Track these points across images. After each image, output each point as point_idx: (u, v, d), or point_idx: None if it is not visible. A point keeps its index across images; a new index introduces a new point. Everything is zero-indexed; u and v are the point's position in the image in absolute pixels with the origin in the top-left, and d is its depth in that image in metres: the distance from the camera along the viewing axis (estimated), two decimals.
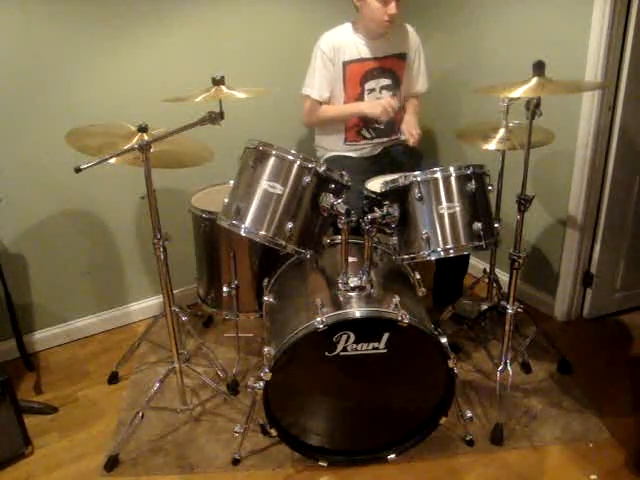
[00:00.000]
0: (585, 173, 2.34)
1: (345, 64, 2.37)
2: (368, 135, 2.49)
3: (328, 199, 1.72)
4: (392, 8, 2.21)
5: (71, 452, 1.92)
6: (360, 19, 2.36)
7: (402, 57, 2.44)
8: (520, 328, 2.40)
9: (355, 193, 1.92)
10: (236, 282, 2.16)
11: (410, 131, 2.38)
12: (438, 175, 1.73)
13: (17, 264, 2.35)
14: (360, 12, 2.32)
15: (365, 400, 1.79)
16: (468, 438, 1.88)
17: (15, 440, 1.86)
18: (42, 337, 2.49)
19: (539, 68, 1.69)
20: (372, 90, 2.42)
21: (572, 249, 2.48)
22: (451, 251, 1.73)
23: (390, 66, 2.42)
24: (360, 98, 2.42)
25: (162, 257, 1.84)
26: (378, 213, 1.75)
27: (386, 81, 2.42)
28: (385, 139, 2.51)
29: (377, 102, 2.34)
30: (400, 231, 1.79)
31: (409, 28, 2.47)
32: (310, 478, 1.80)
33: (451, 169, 1.74)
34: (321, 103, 2.42)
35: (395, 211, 1.76)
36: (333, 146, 2.53)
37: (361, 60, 2.39)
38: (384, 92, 2.43)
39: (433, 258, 1.73)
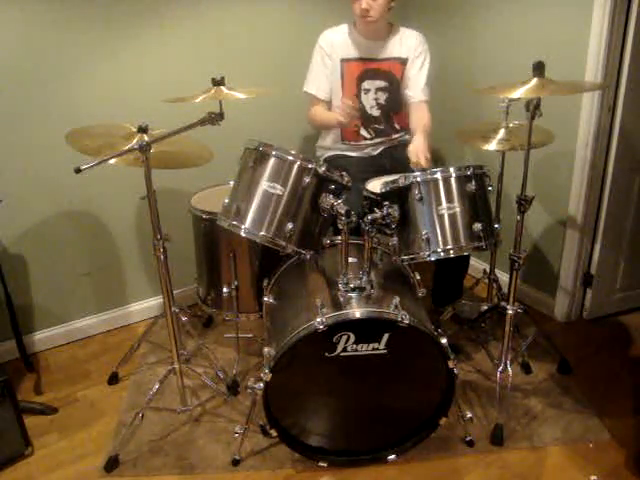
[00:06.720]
0: (585, 173, 2.34)
1: (342, 61, 2.37)
2: (368, 135, 2.48)
3: (328, 200, 1.72)
4: (362, 3, 2.20)
5: (71, 453, 1.92)
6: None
7: (401, 61, 2.42)
8: (520, 329, 2.40)
9: (355, 192, 1.92)
10: (236, 282, 2.16)
11: (417, 154, 2.09)
12: (438, 176, 1.72)
13: (17, 264, 2.35)
14: None
15: (365, 401, 1.79)
16: (468, 439, 1.88)
17: (15, 441, 1.86)
18: (42, 337, 2.49)
19: (539, 68, 1.69)
20: (368, 90, 2.41)
21: (572, 249, 2.48)
22: (451, 252, 1.72)
23: (388, 69, 2.41)
24: (357, 97, 2.41)
25: (162, 258, 1.84)
26: (378, 214, 1.75)
27: (382, 83, 2.41)
28: (385, 139, 2.50)
29: (341, 110, 2.21)
30: (400, 232, 1.78)
31: (416, 35, 2.42)
32: (310, 479, 1.80)
33: (451, 170, 1.73)
34: (320, 100, 2.40)
35: (395, 212, 1.76)
36: (332, 145, 2.52)
37: (358, 59, 2.38)
38: (379, 93, 2.42)
39: (433, 259, 1.73)
